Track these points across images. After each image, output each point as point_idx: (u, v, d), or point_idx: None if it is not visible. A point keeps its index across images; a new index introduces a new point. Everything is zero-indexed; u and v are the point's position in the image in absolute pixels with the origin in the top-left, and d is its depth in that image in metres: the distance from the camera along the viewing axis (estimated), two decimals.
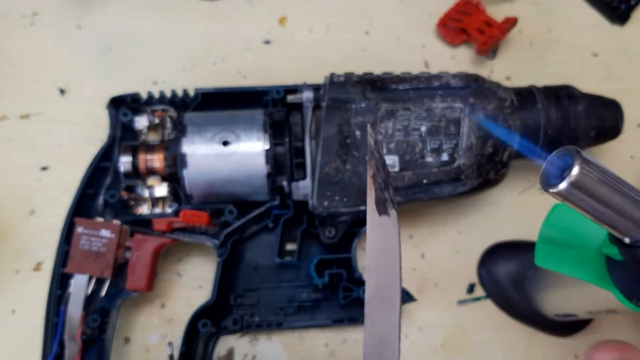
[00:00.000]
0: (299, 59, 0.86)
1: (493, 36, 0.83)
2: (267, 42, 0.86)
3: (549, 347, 0.78)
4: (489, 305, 0.79)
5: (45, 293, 0.75)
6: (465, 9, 0.87)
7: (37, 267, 0.77)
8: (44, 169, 0.79)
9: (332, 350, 0.76)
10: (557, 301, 0.71)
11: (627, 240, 0.43)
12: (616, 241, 0.45)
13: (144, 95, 0.74)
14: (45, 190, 0.79)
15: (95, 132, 0.81)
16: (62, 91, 0.82)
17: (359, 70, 0.82)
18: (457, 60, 0.87)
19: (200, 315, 0.71)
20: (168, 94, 0.74)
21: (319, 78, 0.84)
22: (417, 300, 0.76)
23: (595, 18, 0.91)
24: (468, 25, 0.85)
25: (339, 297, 0.73)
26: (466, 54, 0.88)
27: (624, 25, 0.91)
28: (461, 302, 0.79)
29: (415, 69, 0.75)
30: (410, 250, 0.81)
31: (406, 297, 0.73)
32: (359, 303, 0.75)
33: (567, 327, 0.77)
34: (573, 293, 0.66)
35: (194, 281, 0.78)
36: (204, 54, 0.85)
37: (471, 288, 0.80)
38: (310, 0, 0.88)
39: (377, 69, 0.85)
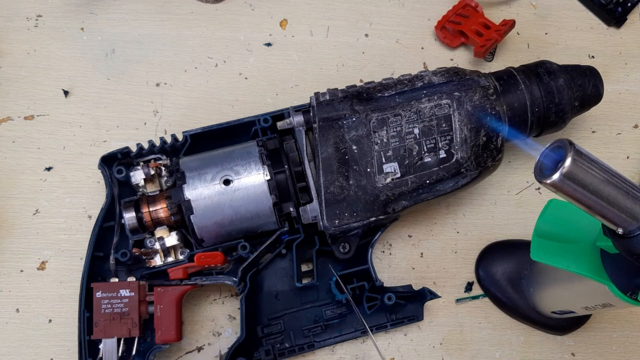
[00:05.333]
0: (299, 61, 0.87)
1: (491, 38, 0.83)
2: (268, 45, 0.87)
3: (546, 344, 0.79)
4: (486, 304, 0.80)
5: (49, 292, 0.77)
6: (463, 11, 0.88)
7: (42, 267, 0.77)
8: (48, 169, 0.80)
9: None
10: (554, 299, 0.72)
11: (620, 231, 0.44)
12: (609, 232, 0.46)
13: (133, 148, 0.74)
14: (49, 191, 0.80)
15: (99, 133, 0.82)
16: (66, 93, 0.83)
17: (358, 72, 0.83)
18: (456, 62, 0.88)
19: (235, 354, 0.71)
20: (160, 132, 0.73)
21: (318, 80, 0.85)
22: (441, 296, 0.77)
23: (592, 21, 0.92)
24: (466, 28, 0.86)
25: (364, 308, 0.74)
26: (464, 56, 0.89)
27: (620, 28, 0.92)
28: (459, 300, 0.80)
29: (414, 71, 0.75)
30: (409, 249, 0.81)
31: (430, 295, 0.74)
32: (385, 309, 0.76)
33: (564, 325, 0.78)
34: (569, 290, 0.67)
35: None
36: (206, 56, 0.86)
37: (469, 287, 0.81)
38: (311, 4, 0.89)
39: (377, 71, 0.86)
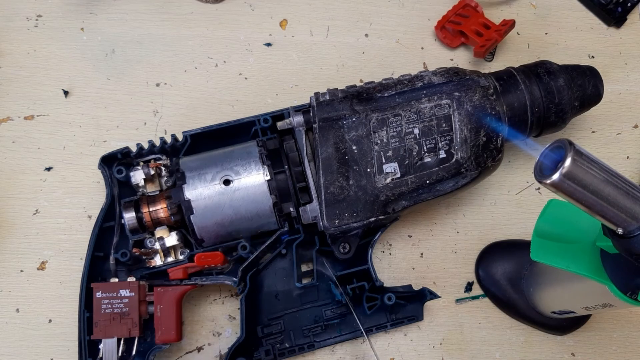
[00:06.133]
0: (299, 61, 0.87)
1: (491, 38, 0.83)
2: (268, 45, 0.87)
3: (546, 344, 0.79)
4: (486, 304, 0.80)
5: (49, 292, 0.77)
6: (463, 11, 0.88)
7: (42, 267, 0.77)
8: (48, 169, 0.80)
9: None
10: (554, 299, 0.72)
11: (620, 231, 0.44)
12: (609, 232, 0.46)
13: (133, 148, 0.74)
14: (49, 191, 0.80)
15: (99, 133, 0.82)
16: (66, 93, 0.83)
17: (358, 72, 0.83)
18: (456, 62, 0.88)
19: (235, 354, 0.71)
20: (160, 132, 0.73)
21: (318, 80, 0.85)
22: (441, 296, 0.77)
23: (591, 21, 0.92)
24: (466, 28, 0.86)
25: (364, 308, 0.74)
26: (464, 56, 0.89)
27: (620, 28, 0.92)
28: (459, 300, 0.80)
29: (414, 71, 0.75)
30: (409, 249, 0.81)
31: (430, 295, 0.74)
32: (385, 309, 0.76)
33: (563, 325, 0.78)
34: (569, 290, 0.67)
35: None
36: (206, 56, 0.86)
37: (469, 287, 0.81)
38: (311, 4, 0.89)
39: (377, 71, 0.86)
